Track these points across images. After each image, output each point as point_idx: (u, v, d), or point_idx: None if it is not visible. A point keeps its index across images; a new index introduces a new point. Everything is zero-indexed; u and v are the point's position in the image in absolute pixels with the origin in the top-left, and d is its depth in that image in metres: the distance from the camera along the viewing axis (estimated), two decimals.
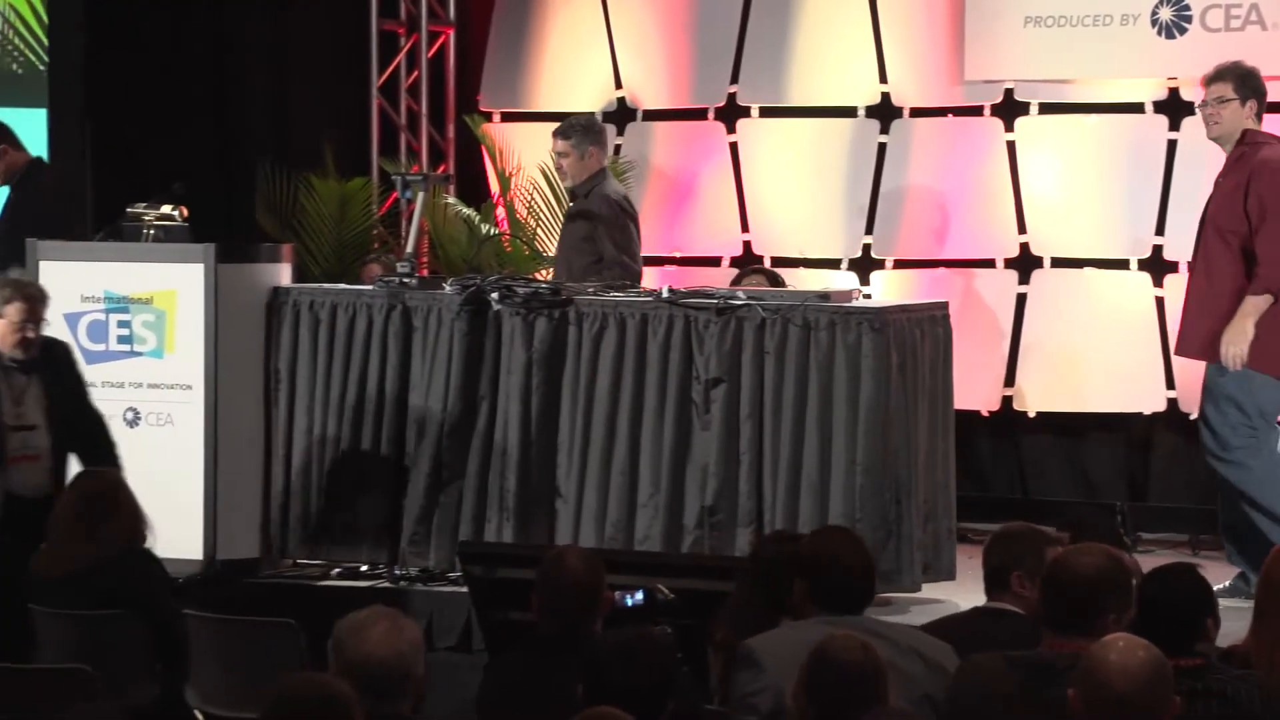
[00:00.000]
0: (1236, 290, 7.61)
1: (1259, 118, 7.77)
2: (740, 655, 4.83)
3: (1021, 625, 5.03)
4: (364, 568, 7.97)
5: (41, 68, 9.43)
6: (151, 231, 8.04)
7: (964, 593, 7.07)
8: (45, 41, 9.55)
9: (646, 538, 7.53)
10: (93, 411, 7.49)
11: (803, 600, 4.92)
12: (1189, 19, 9.18)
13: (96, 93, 9.74)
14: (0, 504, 7.10)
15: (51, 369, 7.33)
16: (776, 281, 8.94)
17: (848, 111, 9.92)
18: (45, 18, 9.58)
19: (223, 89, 10.52)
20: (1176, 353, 7.85)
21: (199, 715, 6.21)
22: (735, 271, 9.93)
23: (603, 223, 8.30)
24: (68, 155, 9.57)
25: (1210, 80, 7.80)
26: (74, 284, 7.98)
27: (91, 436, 7.39)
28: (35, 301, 7.28)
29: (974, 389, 9.24)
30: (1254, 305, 7.57)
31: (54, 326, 7.96)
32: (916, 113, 9.75)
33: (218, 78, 10.49)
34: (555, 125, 8.76)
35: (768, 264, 9.87)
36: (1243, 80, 7.74)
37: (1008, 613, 5.13)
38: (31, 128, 9.44)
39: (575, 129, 8.45)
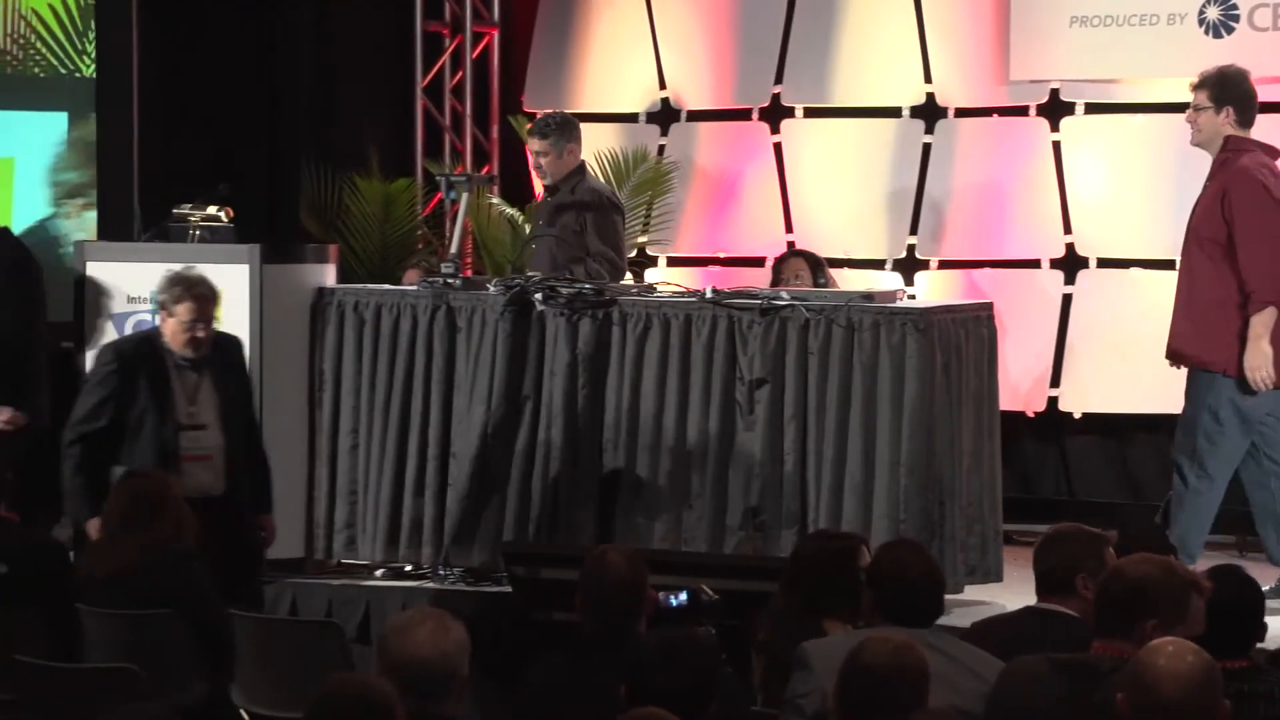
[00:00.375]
0: (1218, 300, 7.57)
1: (1242, 123, 7.73)
2: (795, 658, 4.83)
3: (1072, 626, 5.01)
4: (407, 568, 7.98)
5: (63, 71, 9.45)
6: (197, 232, 8.08)
7: (1010, 594, 7.05)
8: (66, 45, 9.58)
9: (690, 538, 7.53)
10: (250, 416, 7.43)
11: (871, 612, 4.92)
12: (1236, 18, 9.13)
13: (144, 94, 9.77)
14: None
15: (223, 366, 7.24)
16: (816, 264, 8.91)
17: (892, 112, 9.90)
18: (70, 21, 9.62)
19: (269, 90, 10.55)
20: (1167, 359, 7.82)
21: (244, 715, 6.23)
22: None
23: (593, 217, 8.31)
24: (116, 156, 9.60)
25: (1193, 86, 7.80)
26: (120, 285, 8.02)
27: (250, 442, 7.33)
28: (205, 301, 7.13)
29: (1019, 390, 9.22)
30: (1261, 323, 7.50)
31: (101, 327, 8.02)
32: (961, 113, 9.73)
33: (264, 79, 10.52)
34: (601, 125, 8.76)
35: None
36: (1219, 87, 7.72)
37: (1057, 614, 5.11)
38: (50, 132, 9.45)
39: (552, 127, 8.40)
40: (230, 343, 7.38)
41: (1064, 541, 5.22)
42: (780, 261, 9.10)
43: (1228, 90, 7.72)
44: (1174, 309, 7.76)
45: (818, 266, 8.92)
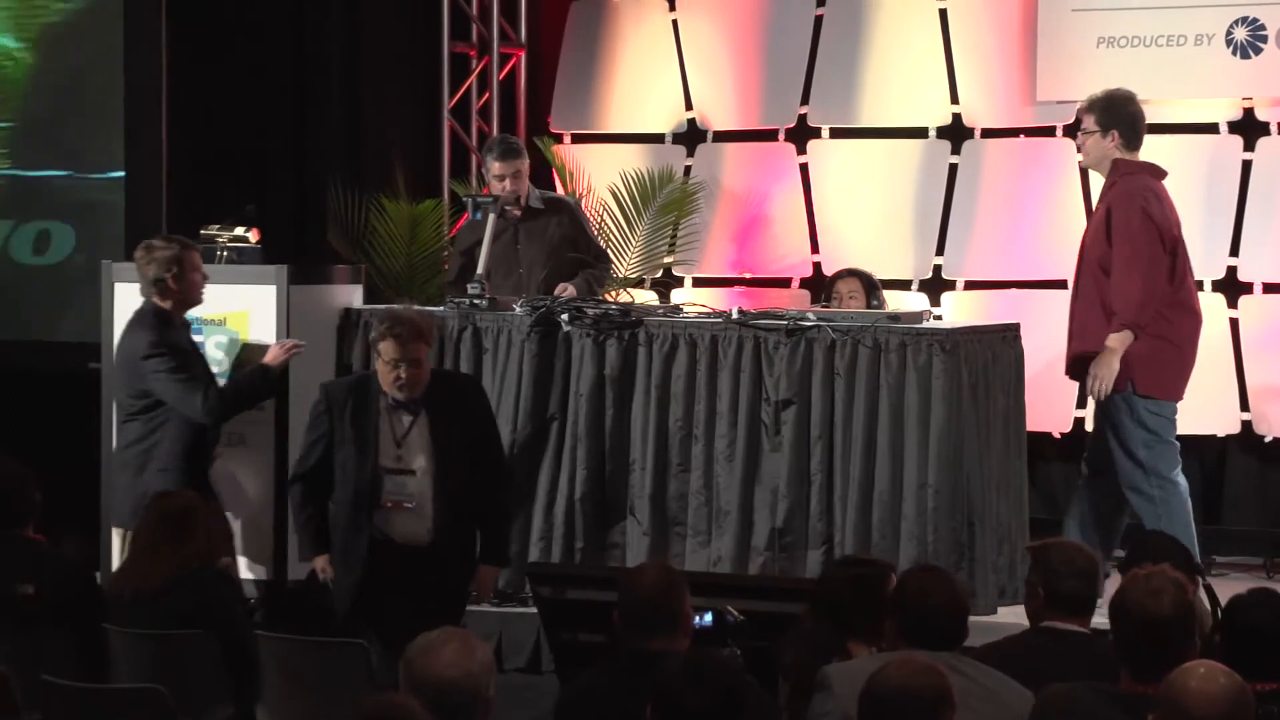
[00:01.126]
0: (1110, 319, 7.67)
1: (1129, 146, 7.81)
2: (817, 680, 4.82)
3: (1084, 643, 5.00)
4: None
5: None
6: (224, 253, 8.09)
7: None
8: None
9: (716, 559, 7.52)
10: (492, 461, 6.85)
11: (895, 637, 4.92)
12: (1264, 39, 9.12)
13: (173, 115, 9.80)
14: (366, 547, 6.73)
15: (448, 409, 6.69)
16: (871, 285, 8.87)
17: (919, 132, 9.90)
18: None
19: (297, 111, 10.57)
20: (1067, 375, 7.85)
21: None
22: (805, 293, 9.93)
23: (581, 222, 8.34)
24: (144, 176, 9.64)
25: (1081, 110, 7.91)
26: None
27: (481, 491, 6.75)
28: (406, 340, 6.59)
29: (1046, 411, 9.19)
30: (1118, 340, 7.62)
31: None
32: (988, 133, 9.72)
33: (292, 100, 10.55)
34: (623, 147, 8.76)
35: None
36: (1106, 110, 7.80)
37: (1067, 631, 5.11)
38: None
39: (520, 147, 8.48)
40: (463, 384, 7.05)
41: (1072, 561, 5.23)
42: (835, 280, 9.07)
43: (1114, 113, 7.81)
44: (1069, 331, 7.76)
45: (872, 288, 8.87)
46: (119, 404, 7.66)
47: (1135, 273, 7.62)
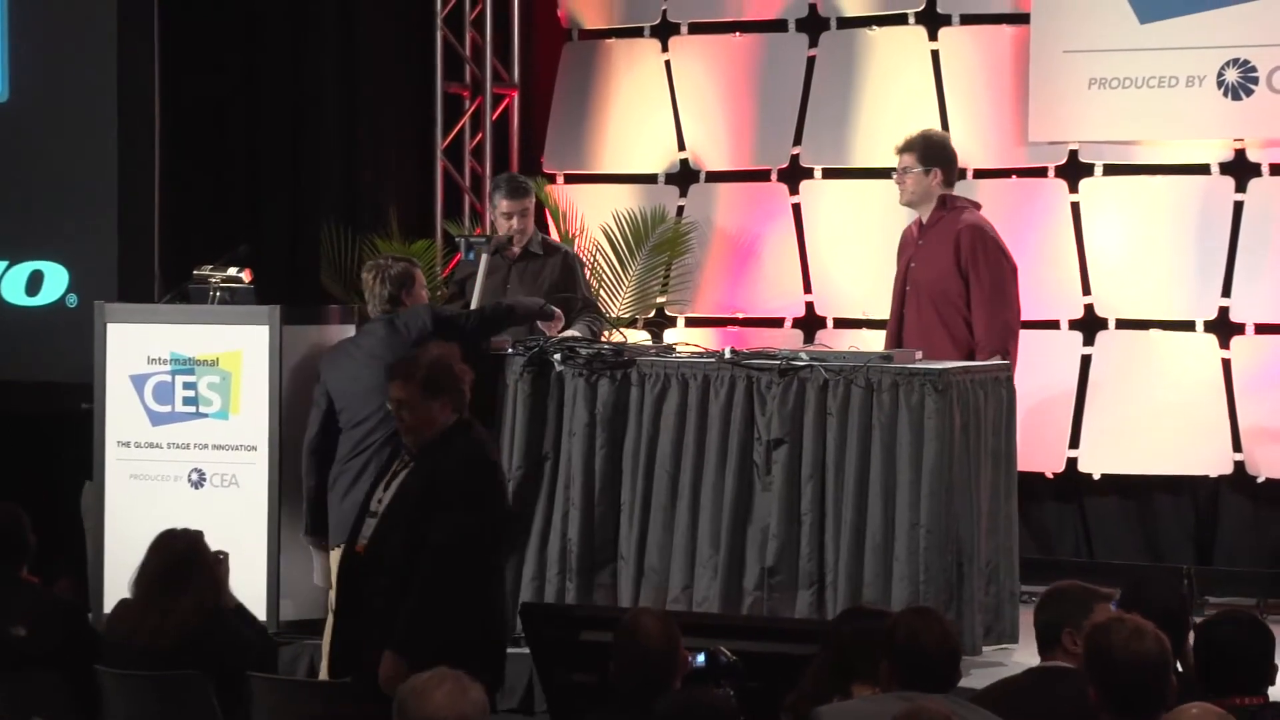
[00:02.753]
0: (961, 353, 7.86)
1: (948, 183, 8.12)
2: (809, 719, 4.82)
3: (1081, 682, 4.99)
4: None
5: None
6: (217, 293, 8.10)
7: (1027, 654, 6.99)
8: None
9: (706, 599, 7.52)
10: (431, 541, 6.12)
11: (889, 680, 4.92)
12: (1255, 80, 9.15)
13: (164, 154, 9.81)
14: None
15: (432, 468, 6.21)
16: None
17: None
18: None
19: (291, 151, 10.59)
20: None
21: None
22: (798, 333, 9.94)
23: (575, 270, 8.37)
24: (137, 217, 9.64)
25: (899, 150, 8.16)
26: (140, 345, 8.04)
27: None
28: (391, 377, 6.34)
29: (1038, 451, 9.20)
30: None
31: (120, 388, 8.04)
32: (980, 174, 9.74)
33: (285, 140, 10.56)
34: (616, 187, 8.77)
35: (830, 325, 9.86)
36: (926, 149, 8.10)
37: (1067, 671, 5.10)
38: None
39: (529, 187, 8.46)
40: (461, 452, 6.27)
41: (1058, 598, 5.24)
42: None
43: (934, 152, 8.11)
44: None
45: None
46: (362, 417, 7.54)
47: (1007, 303, 7.96)
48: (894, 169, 8.16)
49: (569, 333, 8.02)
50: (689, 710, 4.51)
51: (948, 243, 8.00)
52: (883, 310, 9.78)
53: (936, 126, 9.81)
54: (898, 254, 8.33)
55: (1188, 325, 9.38)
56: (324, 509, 7.55)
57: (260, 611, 7.78)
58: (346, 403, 7.54)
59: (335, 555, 7.47)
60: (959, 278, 7.95)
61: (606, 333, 9.24)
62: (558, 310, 7.90)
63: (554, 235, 10.30)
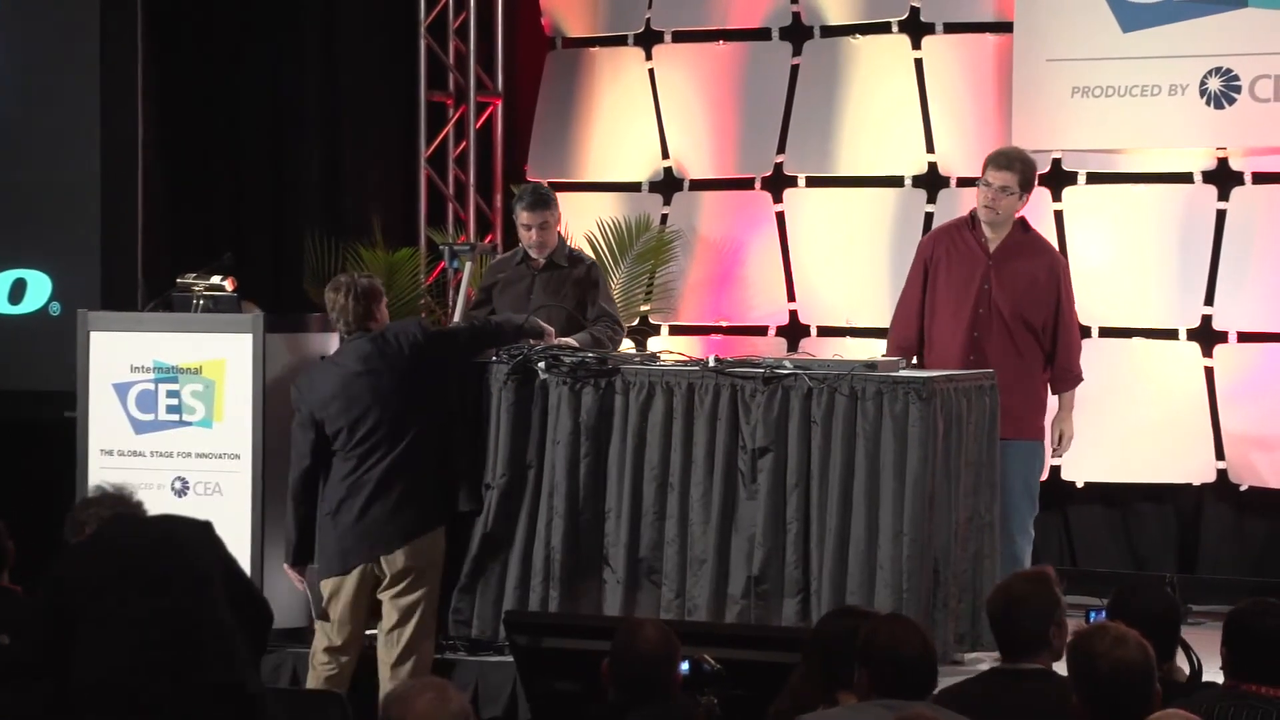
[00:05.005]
0: (1038, 374, 7.98)
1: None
2: None
3: (1047, 681, 5.00)
4: None
5: None
6: (201, 302, 8.09)
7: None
8: None
9: (692, 607, 7.51)
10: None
11: (866, 688, 4.90)
12: (1238, 89, 9.17)
13: (148, 163, 9.80)
14: None
15: None
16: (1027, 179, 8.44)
17: (895, 181, 9.94)
18: None
19: (274, 160, 10.59)
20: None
21: None
22: (782, 341, 9.94)
23: (598, 282, 8.33)
24: (120, 226, 9.63)
25: (997, 165, 8.02)
26: (124, 354, 8.02)
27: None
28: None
29: None
30: (1073, 399, 8.07)
31: (103, 397, 8.02)
32: (963, 182, 9.76)
33: (269, 148, 10.56)
34: (599, 195, 8.76)
35: (814, 333, 9.86)
36: (1026, 174, 8.01)
37: (1030, 670, 5.10)
38: None
39: (551, 199, 8.32)
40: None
41: (1026, 600, 5.21)
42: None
43: (1030, 177, 8.06)
44: (1005, 382, 7.78)
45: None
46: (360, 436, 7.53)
47: (1078, 330, 8.10)
48: (880, 177, 8.15)
49: (563, 341, 7.99)
50: None
51: (1038, 269, 7.95)
52: (865, 319, 9.81)
53: (920, 134, 9.83)
54: (925, 263, 8.12)
55: (1170, 334, 9.39)
56: (313, 537, 7.51)
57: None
58: (344, 422, 7.50)
59: (329, 583, 7.47)
60: (1050, 305, 7.93)
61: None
62: (548, 328, 7.86)
63: None
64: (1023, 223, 8.05)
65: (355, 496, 7.45)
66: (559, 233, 8.41)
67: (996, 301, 7.94)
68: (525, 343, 7.86)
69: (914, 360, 8.04)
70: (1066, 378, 8.05)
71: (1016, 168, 7.99)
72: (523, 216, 8.27)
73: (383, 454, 7.44)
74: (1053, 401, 8.11)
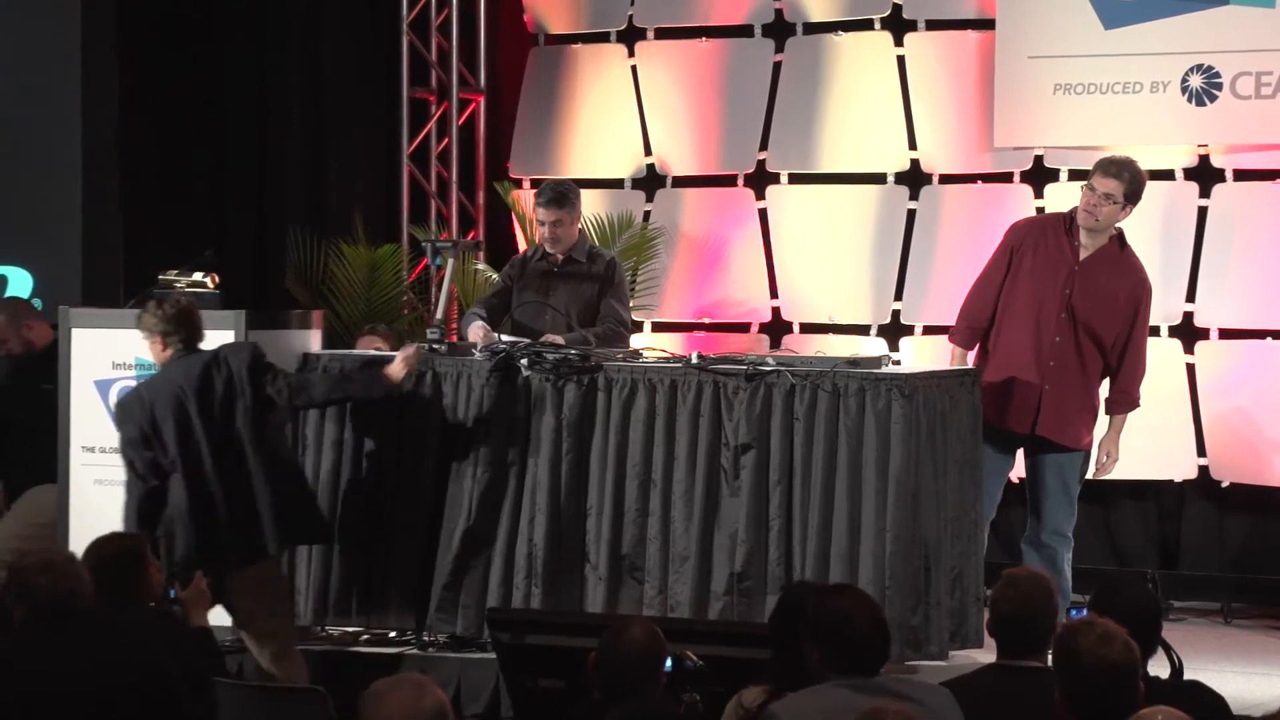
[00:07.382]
0: (1093, 387, 7.92)
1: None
2: (763, 717, 4.80)
3: (1045, 678, 5.00)
4: (392, 634, 7.96)
5: None
6: (182, 299, 8.06)
7: (990, 658, 7.02)
8: None
9: (675, 604, 7.51)
10: None
11: (820, 666, 4.85)
12: (1219, 86, 9.18)
13: (129, 159, 9.79)
14: None
15: None
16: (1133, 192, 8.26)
17: (877, 178, 9.94)
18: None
19: (256, 156, 10.58)
20: (1040, 433, 7.88)
21: None
22: (765, 338, 9.94)
23: (614, 281, 8.27)
24: (101, 222, 9.62)
25: (1105, 172, 7.83)
26: (105, 351, 8.01)
27: None
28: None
29: None
30: (1124, 422, 7.99)
31: (85, 393, 8.01)
32: (946, 179, 9.77)
33: (251, 145, 10.55)
34: (587, 191, 8.71)
35: (797, 330, 9.86)
36: (1134, 186, 7.82)
37: (1028, 668, 5.10)
38: None
39: (569, 197, 8.23)
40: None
41: (1042, 604, 5.21)
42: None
43: (1137, 190, 7.86)
44: (1056, 386, 7.80)
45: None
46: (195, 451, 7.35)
47: (1145, 358, 7.98)
48: (862, 174, 8.12)
49: (549, 337, 7.97)
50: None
51: (1120, 289, 7.84)
52: (847, 316, 9.82)
53: (903, 131, 9.84)
54: (1011, 250, 7.95)
55: (1152, 331, 9.39)
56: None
57: (226, 617, 7.77)
58: (185, 445, 7.26)
59: None
60: (1123, 328, 7.84)
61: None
62: (399, 382, 7.62)
63: (520, 241, 10.31)
64: (1120, 236, 7.87)
65: (189, 524, 7.22)
66: (580, 230, 8.37)
67: (1075, 309, 7.83)
68: (472, 351, 7.77)
69: (975, 347, 7.96)
70: (1124, 400, 7.94)
71: (1125, 177, 7.78)
72: (539, 213, 8.26)
73: (210, 475, 7.26)
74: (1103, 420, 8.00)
